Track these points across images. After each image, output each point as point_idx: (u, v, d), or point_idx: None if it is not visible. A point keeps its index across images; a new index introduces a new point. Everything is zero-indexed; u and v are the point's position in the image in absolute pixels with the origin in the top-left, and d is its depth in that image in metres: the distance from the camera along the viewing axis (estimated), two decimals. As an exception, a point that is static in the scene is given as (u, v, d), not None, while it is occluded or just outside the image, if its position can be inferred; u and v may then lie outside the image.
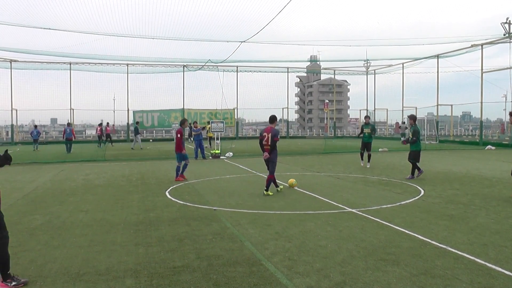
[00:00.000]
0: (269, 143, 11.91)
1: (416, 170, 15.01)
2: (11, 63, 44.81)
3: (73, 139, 32.38)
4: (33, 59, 44.63)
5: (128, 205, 10.75)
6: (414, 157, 15.06)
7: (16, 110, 46.27)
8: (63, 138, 32.59)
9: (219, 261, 6.22)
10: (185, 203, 10.70)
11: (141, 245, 7.12)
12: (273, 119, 12.40)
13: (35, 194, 12.76)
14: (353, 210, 9.62)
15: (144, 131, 51.51)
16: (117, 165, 21.43)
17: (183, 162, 15.30)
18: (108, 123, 40.72)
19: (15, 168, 20.42)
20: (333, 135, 59.09)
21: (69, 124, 34.66)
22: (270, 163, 12.10)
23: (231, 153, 26.23)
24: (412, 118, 15.64)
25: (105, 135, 38.65)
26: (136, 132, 35.38)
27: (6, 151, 5.87)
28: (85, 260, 6.40)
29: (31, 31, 32.95)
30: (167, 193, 12.28)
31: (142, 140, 38.84)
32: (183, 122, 16.08)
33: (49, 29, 31.78)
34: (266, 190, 11.99)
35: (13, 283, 5.43)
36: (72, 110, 47.49)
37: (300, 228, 8.05)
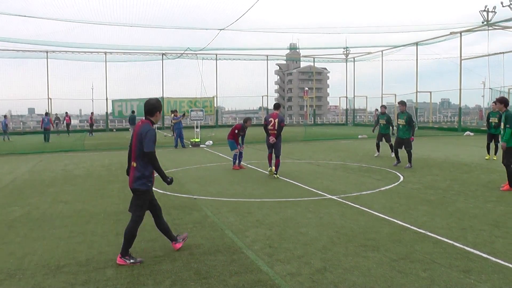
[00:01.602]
0: (276, 128, 12.70)
1: (395, 155, 14.98)
2: None
3: (51, 129, 32.08)
4: (8, 47, 43.76)
5: (108, 194, 10.68)
6: (405, 144, 14.54)
7: (-7, 100, 45.31)
8: (41, 128, 32.30)
9: (200, 249, 6.24)
10: (165, 192, 10.63)
11: (121, 235, 6.96)
12: (277, 106, 13.62)
13: (13, 185, 12.57)
14: (333, 197, 9.70)
15: (123, 120, 51.05)
16: (97, 154, 21.21)
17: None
18: (92, 113, 40.86)
19: (-8, 159, 20.11)
20: (312, 122, 59.38)
21: (47, 114, 34.31)
22: (276, 147, 12.83)
23: (211, 142, 26.19)
24: (403, 103, 15.03)
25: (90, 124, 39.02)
26: (132, 122, 32.89)
27: None
28: (65, 251, 6.35)
29: (5, 18, 32.31)
30: (147, 183, 12.18)
31: (121, 130, 38.55)
32: (246, 121, 15.36)
33: (24, 16, 31.23)
34: (276, 173, 12.69)
35: (131, 260, 5.77)
36: (50, 100, 46.73)
37: (281, 216, 8.10)
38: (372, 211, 8.30)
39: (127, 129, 48.59)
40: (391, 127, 17.73)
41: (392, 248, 6.10)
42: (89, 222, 8.01)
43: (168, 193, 10.55)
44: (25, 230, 7.59)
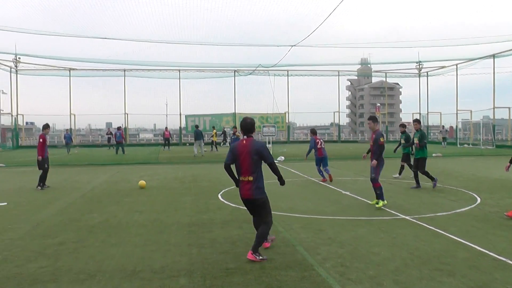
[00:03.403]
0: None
1: (427, 179, 14.17)
2: (70, 71, 47.74)
3: (123, 142, 33.40)
4: (90, 67, 47.12)
5: (181, 206, 10.97)
6: (418, 166, 14.00)
7: (74, 115, 48.74)
8: (115, 141, 33.82)
9: (271, 264, 6.24)
10: (237, 206, 10.77)
11: (194, 246, 7.25)
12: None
13: (92, 194, 13.23)
14: (407, 217, 9.43)
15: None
16: (170, 167, 21.87)
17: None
18: (166, 128, 42.18)
19: (74, 169, 21.27)
20: (385, 139, 58.00)
21: (119, 128, 35.68)
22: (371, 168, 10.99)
23: (283, 157, 26.22)
24: (419, 122, 14.88)
25: (164, 139, 40.14)
26: (197, 137, 31.53)
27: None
28: (140, 258, 6.59)
29: (88, 41, 34.76)
30: (219, 196, 12.43)
31: (190, 145, 39.30)
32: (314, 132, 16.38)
33: (105, 38, 33.17)
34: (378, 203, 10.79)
35: (260, 257, 6.34)
36: (126, 115, 48.89)
37: (353, 234, 7.97)
38: (447, 234, 7.97)
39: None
40: (410, 147, 16.50)
41: (469, 275, 5.80)
42: (163, 232, 8.26)
43: (241, 207, 10.67)
44: (104, 236, 7.97)
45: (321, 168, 15.97)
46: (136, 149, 39.69)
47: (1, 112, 46.51)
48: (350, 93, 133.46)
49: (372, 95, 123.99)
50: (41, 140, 14.48)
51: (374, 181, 10.73)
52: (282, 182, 7.13)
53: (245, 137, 6.69)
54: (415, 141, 14.28)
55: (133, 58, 41.58)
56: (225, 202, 11.47)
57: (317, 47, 39.54)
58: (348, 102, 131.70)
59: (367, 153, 11.86)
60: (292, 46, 35.87)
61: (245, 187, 6.56)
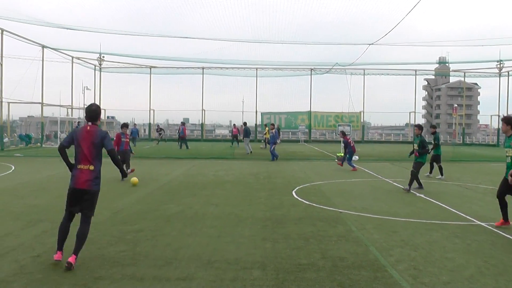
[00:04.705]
0: None
1: (415, 182, 13.48)
2: (150, 69, 49.83)
3: (185, 137, 34.07)
4: (170, 65, 48.98)
5: (256, 201, 11.05)
6: (413, 165, 13.47)
7: (154, 110, 50.86)
8: (178, 136, 34.60)
9: (344, 263, 6.17)
10: (311, 203, 10.74)
11: (268, 240, 7.28)
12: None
13: (169, 185, 13.64)
14: (483, 224, 8.93)
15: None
16: (245, 163, 22.11)
17: None
18: (234, 125, 42.60)
19: (152, 162, 22.10)
20: (461, 142, 55.13)
21: (183, 124, 36.16)
22: None
23: (357, 157, 25.74)
24: (420, 127, 14.14)
25: (232, 135, 40.39)
26: (246, 134, 30.75)
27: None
28: (215, 249, 6.72)
29: (169, 40, 35.94)
30: (293, 193, 12.40)
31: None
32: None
33: (186, 37, 34.09)
34: None
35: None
36: (203, 111, 50.04)
37: (426, 238, 7.69)
38: (528, 243, 7.48)
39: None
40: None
41: (551, 288, 5.41)
42: (238, 225, 8.36)
43: (314, 204, 10.62)
44: (180, 226, 8.20)
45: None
46: (213, 145, 40.50)
47: (85, 106, 49.30)
48: (426, 93, 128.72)
49: (449, 96, 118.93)
50: (114, 138, 15.40)
51: None
52: (123, 174, 6.66)
53: (89, 123, 6.19)
54: (415, 147, 13.70)
55: (211, 57, 42.20)
56: (299, 199, 11.43)
57: (394, 45, 38.47)
58: (424, 102, 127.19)
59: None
60: (369, 44, 35.13)
61: (82, 176, 5.91)
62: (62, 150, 6.10)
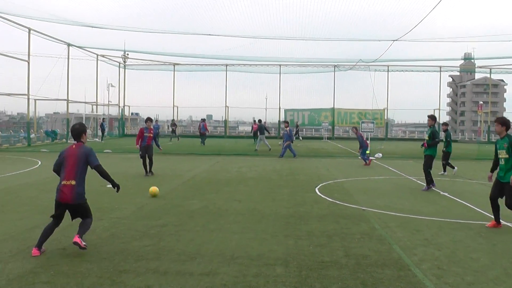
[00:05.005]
0: None
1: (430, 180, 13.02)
2: (174, 66, 50.30)
3: (205, 134, 34.29)
4: (193, 62, 49.23)
5: (279, 198, 11.05)
6: (424, 162, 13.05)
7: (177, 107, 51.10)
8: (199, 132, 34.96)
9: (367, 261, 6.14)
10: (334, 200, 10.70)
11: (290, 237, 7.28)
12: None
13: (193, 181, 13.73)
14: (509, 224, 8.71)
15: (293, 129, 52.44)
16: (268, 160, 22.09)
17: None
18: (255, 121, 42.50)
19: (176, 158, 22.25)
20: (486, 140, 53.90)
21: (203, 120, 36.21)
22: None
23: (380, 154, 25.55)
24: (433, 118, 13.48)
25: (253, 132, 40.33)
26: (261, 131, 29.28)
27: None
28: (238, 245, 6.75)
29: (192, 37, 35.94)
30: (316, 190, 12.36)
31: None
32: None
33: (209, 35, 34.07)
34: None
35: (84, 243, 6.11)
36: (227, 108, 50.18)
37: (451, 237, 7.58)
38: (557, 244, 7.31)
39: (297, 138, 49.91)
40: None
41: None
42: (261, 222, 8.37)
43: (338, 202, 10.57)
44: (203, 221, 8.25)
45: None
46: (236, 141, 40.61)
47: (110, 103, 49.83)
48: (451, 89, 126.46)
49: (474, 92, 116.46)
50: (138, 132, 15.56)
51: None
52: (114, 185, 6.64)
53: (75, 142, 6.58)
54: (426, 138, 13.36)
55: (235, 54, 42.15)
56: (322, 196, 11.39)
57: (418, 41, 37.78)
58: (449, 100, 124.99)
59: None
60: (394, 40, 34.62)
61: (65, 190, 6.23)
62: (56, 172, 6.56)
